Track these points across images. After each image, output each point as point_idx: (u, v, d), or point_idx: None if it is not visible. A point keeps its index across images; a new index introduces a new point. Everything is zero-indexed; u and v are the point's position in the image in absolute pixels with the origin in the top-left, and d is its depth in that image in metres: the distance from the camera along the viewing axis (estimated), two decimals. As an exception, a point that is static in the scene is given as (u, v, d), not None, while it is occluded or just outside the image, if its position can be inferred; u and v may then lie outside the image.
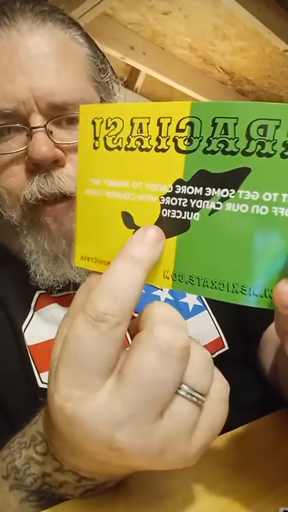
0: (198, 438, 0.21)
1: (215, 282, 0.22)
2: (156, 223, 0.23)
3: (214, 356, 0.42)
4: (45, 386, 0.38)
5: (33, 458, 0.26)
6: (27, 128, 0.39)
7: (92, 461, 0.23)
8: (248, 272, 0.21)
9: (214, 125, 0.21)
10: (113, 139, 0.24)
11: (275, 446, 0.34)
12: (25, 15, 0.39)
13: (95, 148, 0.24)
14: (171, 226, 0.22)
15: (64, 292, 0.43)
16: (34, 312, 0.41)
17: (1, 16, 0.39)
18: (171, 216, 0.22)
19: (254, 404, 0.44)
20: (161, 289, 0.47)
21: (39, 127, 0.38)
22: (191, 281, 0.22)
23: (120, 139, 0.23)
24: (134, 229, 0.23)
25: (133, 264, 0.21)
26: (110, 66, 0.47)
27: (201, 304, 0.48)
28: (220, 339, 0.48)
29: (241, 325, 0.49)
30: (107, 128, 0.24)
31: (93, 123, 0.24)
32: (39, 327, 0.40)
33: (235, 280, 0.21)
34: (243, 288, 0.21)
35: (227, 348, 0.48)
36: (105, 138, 0.24)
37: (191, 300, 0.47)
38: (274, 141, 0.20)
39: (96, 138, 0.24)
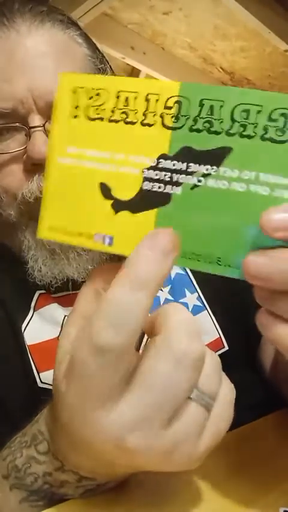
0: (205, 441, 0.22)
1: (194, 253, 0.22)
2: (136, 196, 0.23)
3: None
4: (44, 386, 0.38)
5: (34, 458, 0.26)
6: (25, 128, 0.39)
7: (95, 460, 0.23)
8: (227, 245, 0.22)
9: (201, 105, 0.22)
10: (96, 109, 0.24)
11: (276, 446, 0.34)
12: (24, 16, 0.39)
13: (75, 117, 0.24)
14: (151, 199, 0.23)
15: (64, 292, 0.44)
16: (34, 311, 0.41)
17: (0, 17, 0.39)
18: (153, 189, 0.23)
19: (254, 404, 0.44)
20: (161, 289, 0.47)
21: (38, 126, 0.38)
22: None
23: (104, 111, 0.24)
24: (111, 200, 0.24)
25: (138, 288, 0.19)
26: (110, 66, 0.48)
27: (200, 305, 0.48)
28: (220, 339, 0.48)
29: (241, 326, 0.48)
30: (90, 98, 0.24)
31: (75, 91, 0.24)
32: (39, 327, 0.40)
33: (214, 253, 0.22)
34: (219, 260, 0.22)
35: (227, 348, 0.48)
36: (87, 108, 0.24)
37: (190, 300, 0.48)
38: (255, 124, 0.21)
39: (76, 107, 0.24)
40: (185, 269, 0.49)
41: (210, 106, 0.22)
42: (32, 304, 0.42)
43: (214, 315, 0.48)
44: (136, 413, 0.20)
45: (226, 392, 0.23)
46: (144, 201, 0.23)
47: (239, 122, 0.22)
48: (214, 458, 0.31)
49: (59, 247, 0.41)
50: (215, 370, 0.22)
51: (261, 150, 0.21)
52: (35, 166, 0.39)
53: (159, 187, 0.23)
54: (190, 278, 0.48)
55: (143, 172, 0.23)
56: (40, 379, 0.38)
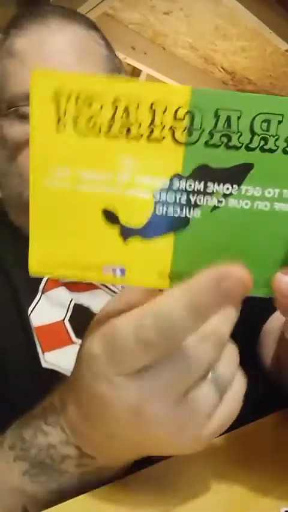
0: (213, 425, 0.23)
1: None
2: (149, 222, 0.21)
3: None
4: (48, 366, 0.38)
5: (41, 429, 0.26)
6: None
7: (104, 433, 0.24)
8: (254, 265, 0.21)
9: (217, 116, 0.20)
10: (88, 121, 0.20)
11: (276, 446, 0.33)
12: (55, 16, 0.44)
13: (59, 131, 0.20)
14: (166, 224, 0.21)
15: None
16: (42, 294, 0.42)
17: (35, 14, 0.44)
18: (168, 214, 0.21)
19: (254, 399, 0.44)
20: None
21: None
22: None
23: (99, 122, 0.20)
24: (118, 227, 0.21)
25: (190, 311, 0.20)
26: (125, 71, 0.51)
27: None
28: None
29: (241, 321, 0.49)
30: (78, 106, 0.20)
31: (57, 96, 0.20)
32: (45, 309, 0.41)
33: None
34: None
35: None
36: (74, 121, 0.20)
37: None
38: (277, 136, 0.20)
39: (59, 119, 0.20)
40: None
41: (227, 117, 0.20)
42: (41, 287, 0.42)
43: None
44: (157, 382, 0.21)
45: (239, 384, 0.24)
46: (158, 226, 0.21)
47: (259, 135, 0.20)
48: (214, 458, 0.31)
49: None
50: (233, 360, 0.23)
51: (284, 164, 0.20)
52: None
53: (174, 211, 0.21)
54: None
55: (154, 195, 0.21)
56: (44, 360, 0.39)
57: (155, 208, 0.21)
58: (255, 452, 0.32)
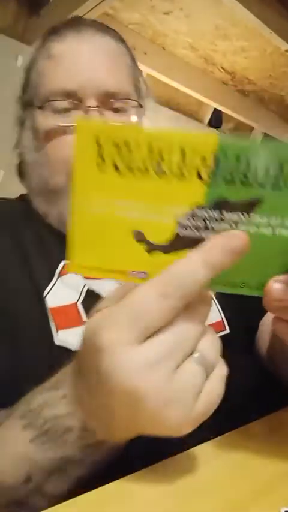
0: (199, 407, 0.24)
1: (226, 283, 0.26)
2: (171, 241, 0.25)
3: None
4: (60, 344, 0.41)
5: (50, 401, 0.29)
6: (84, 106, 0.47)
7: (102, 406, 0.26)
8: (252, 272, 0.26)
9: (238, 160, 0.23)
10: (125, 161, 0.24)
11: (276, 446, 0.33)
12: (89, 28, 0.51)
13: (101, 169, 0.24)
14: (184, 242, 0.25)
15: None
16: (58, 278, 0.46)
17: (72, 25, 0.51)
18: (187, 235, 0.25)
19: (251, 389, 0.45)
20: None
21: (94, 107, 0.47)
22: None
23: (134, 162, 0.24)
24: (144, 243, 0.25)
25: (206, 267, 0.24)
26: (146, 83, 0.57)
27: None
28: (222, 322, 0.50)
29: (242, 312, 0.50)
30: (118, 150, 0.24)
31: (99, 144, 0.24)
32: (60, 292, 0.45)
33: (245, 280, 0.26)
34: (243, 284, 0.27)
35: (228, 331, 0.50)
36: (114, 161, 0.24)
37: None
38: (286, 177, 0.23)
39: (102, 159, 0.24)
40: None
41: (247, 161, 0.23)
42: (57, 271, 0.46)
43: (218, 301, 0.52)
44: (151, 355, 0.23)
45: (221, 368, 0.26)
46: (177, 244, 0.25)
47: (272, 175, 0.23)
48: (214, 458, 0.31)
49: None
50: (216, 344, 0.26)
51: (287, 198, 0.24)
52: None
53: (193, 233, 0.25)
54: None
55: (177, 221, 0.25)
56: (57, 338, 0.41)
57: (176, 231, 0.25)
58: (255, 453, 0.32)
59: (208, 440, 0.32)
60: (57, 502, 0.26)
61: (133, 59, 0.55)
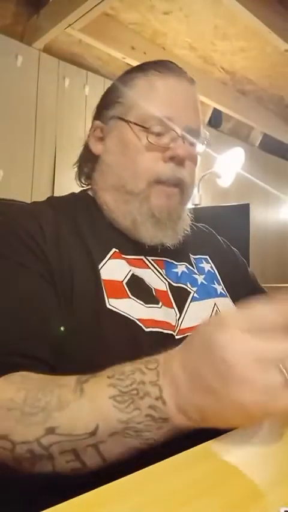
0: (280, 402, 0.30)
1: None
2: None
3: None
4: (111, 307, 0.50)
5: (141, 369, 0.35)
6: (176, 134, 0.58)
7: (196, 388, 0.32)
8: None
9: None
10: None
11: (276, 446, 0.33)
12: (173, 71, 0.63)
13: None
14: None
15: (134, 256, 0.58)
16: (109, 259, 0.56)
17: (170, 68, 0.64)
18: None
19: None
20: (198, 274, 0.62)
21: (183, 136, 0.59)
22: None
23: None
24: None
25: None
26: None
27: (224, 293, 0.64)
28: None
29: None
30: None
31: None
32: (111, 269, 0.55)
33: None
34: None
35: None
36: None
37: (218, 288, 0.64)
38: None
39: None
40: (213, 268, 0.66)
41: None
42: (108, 255, 0.56)
43: (235, 305, 0.61)
44: (259, 346, 0.30)
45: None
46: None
47: None
48: (214, 457, 0.31)
49: (164, 219, 0.58)
50: None
51: None
52: (171, 159, 0.58)
53: None
54: (217, 275, 0.67)
55: None
56: (108, 303, 0.51)
57: None
58: (255, 453, 0.32)
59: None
60: (96, 468, 0.33)
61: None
